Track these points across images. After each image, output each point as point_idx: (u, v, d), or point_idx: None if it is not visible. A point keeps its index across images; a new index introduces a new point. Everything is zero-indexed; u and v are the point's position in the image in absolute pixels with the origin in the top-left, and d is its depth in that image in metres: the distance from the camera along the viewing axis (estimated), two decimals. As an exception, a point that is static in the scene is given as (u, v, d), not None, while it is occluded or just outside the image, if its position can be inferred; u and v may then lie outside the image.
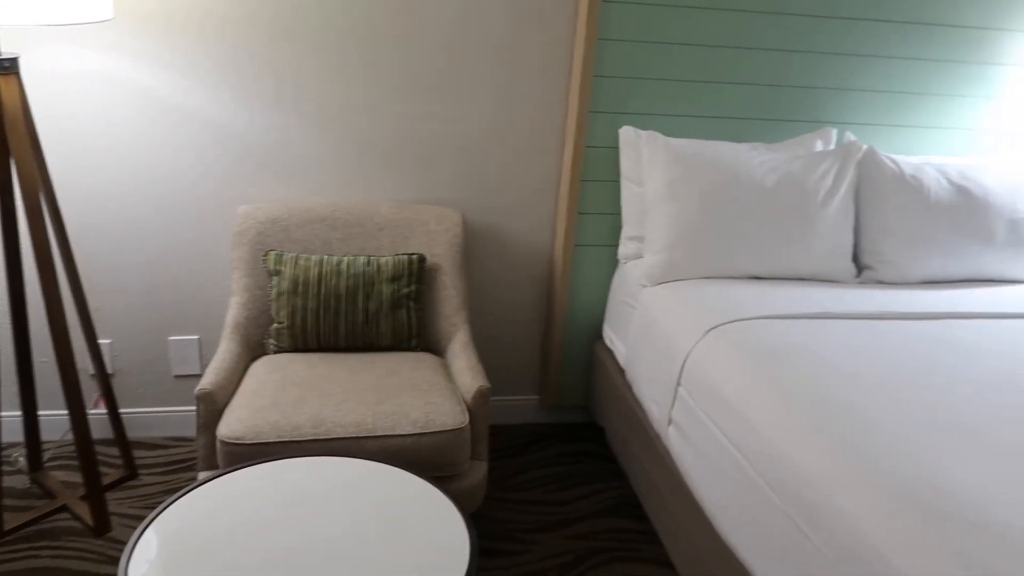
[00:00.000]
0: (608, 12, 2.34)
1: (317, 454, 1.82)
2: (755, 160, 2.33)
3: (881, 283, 2.38)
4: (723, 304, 2.11)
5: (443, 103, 2.43)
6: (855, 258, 2.42)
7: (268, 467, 1.72)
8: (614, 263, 2.61)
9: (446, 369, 2.25)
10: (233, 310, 2.29)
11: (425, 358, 2.27)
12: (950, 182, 2.41)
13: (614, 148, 2.47)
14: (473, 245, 2.57)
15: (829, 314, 2.07)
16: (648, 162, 2.35)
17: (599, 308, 2.67)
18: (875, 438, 1.54)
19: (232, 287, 2.31)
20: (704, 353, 1.95)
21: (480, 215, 2.57)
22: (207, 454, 1.99)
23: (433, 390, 2.08)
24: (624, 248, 2.52)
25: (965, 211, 2.39)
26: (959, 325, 2.08)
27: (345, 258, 2.29)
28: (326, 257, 2.28)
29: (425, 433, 1.94)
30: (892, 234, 2.37)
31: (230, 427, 1.89)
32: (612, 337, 2.56)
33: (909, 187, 2.37)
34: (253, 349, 2.29)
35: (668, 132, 2.45)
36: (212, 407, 1.97)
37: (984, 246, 2.41)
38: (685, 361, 1.99)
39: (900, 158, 2.44)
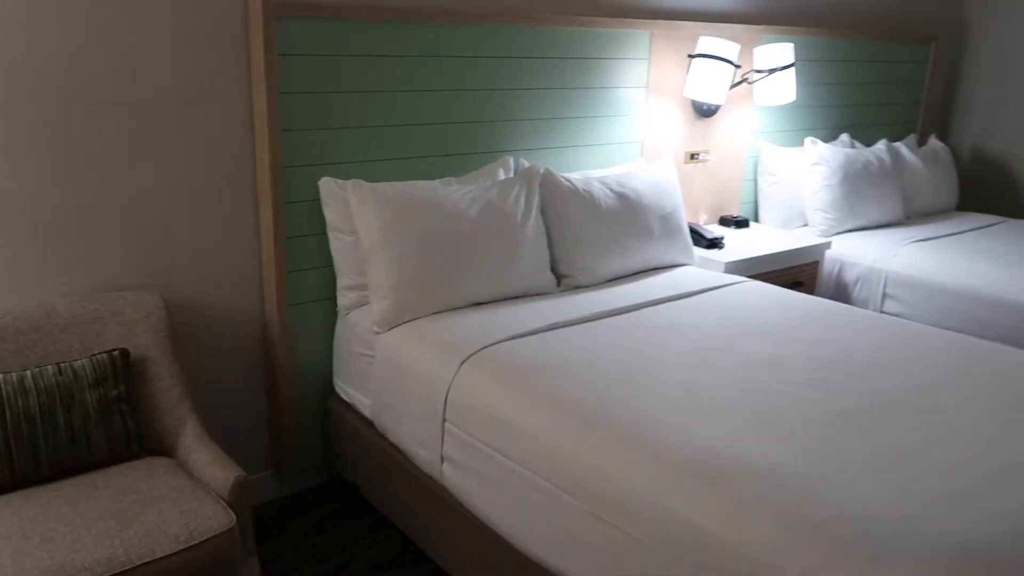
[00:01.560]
0: (288, 65, 2.28)
1: (67, 611, 1.51)
2: (456, 194, 2.45)
3: (579, 287, 2.66)
4: (465, 334, 2.19)
5: (114, 176, 2.17)
6: (553, 269, 2.66)
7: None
8: (334, 316, 2.55)
9: (185, 468, 2.01)
10: None
11: (157, 463, 2.00)
12: (612, 191, 2.77)
13: (317, 201, 2.41)
14: (181, 326, 2.32)
15: (559, 324, 2.26)
16: (357, 210, 2.34)
17: (325, 365, 2.58)
18: (646, 421, 1.73)
19: None
20: (465, 385, 2.01)
21: (182, 292, 2.33)
22: None
23: (182, 496, 1.84)
24: (344, 299, 2.47)
25: (628, 214, 2.77)
26: (658, 310, 2.42)
27: (28, 372, 1.93)
28: (2, 376, 1.90)
29: (193, 545, 1.72)
30: (579, 242, 2.66)
31: (-70, 616, 1.48)
32: (348, 390, 2.49)
33: (583, 200, 2.68)
34: (-79, 510, 1.82)
35: (367, 178, 2.45)
36: None
37: (647, 241, 2.81)
38: (447, 397, 2.03)
39: (570, 175, 2.75)
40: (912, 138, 4.30)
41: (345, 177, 2.42)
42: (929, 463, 1.59)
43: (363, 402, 2.41)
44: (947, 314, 3.17)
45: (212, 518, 1.78)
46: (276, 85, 2.27)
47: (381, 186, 2.38)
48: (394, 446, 2.28)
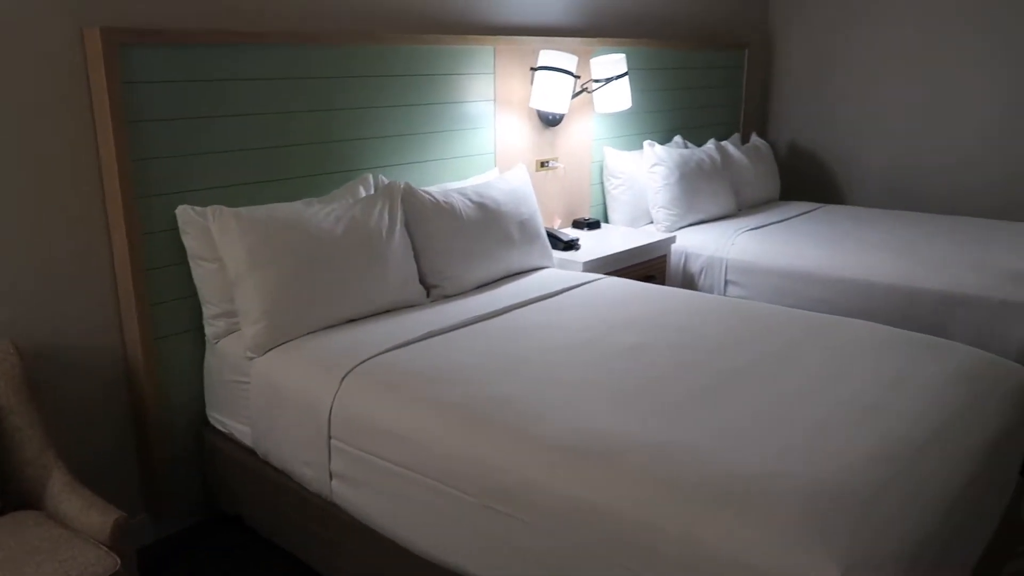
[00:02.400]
0: (136, 93, 2.22)
1: None
2: (320, 213, 2.46)
3: (448, 297, 2.73)
4: (342, 350, 2.21)
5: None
6: (421, 281, 2.72)
7: None
8: (202, 347, 2.48)
9: (56, 519, 1.91)
10: None
11: (24, 517, 1.90)
12: (471, 201, 2.86)
13: (176, 230, 2.35)
14: (37, 371, 2.19)
15: (434, 332, 2.32)
16: (220, 237, 2.30)
17: (196, 397, 2.51)
18: (528, 413, 1.83)
19: None
20: (349, 399, 2.03)
21: (35, 335, 2.21)
22: None
23: (59, 546, 1.76)
24: (212, 328, 2.42)
25: (488, 222, 2.87)
26: (526, 311, 2.54)
27: None
28: None
29: (77, 595, 1.65)
30: (444, 254, 2.73)
31: None
32: (224, 420, 2.44)
33: (445, 212, 2.76)
34: None
35: (227, 203, 2.42)
36: None
37: (508, 247, 2.93)
38: (331, 413, 2.04)
39: (430, 188, 2.82)
40: (736, 136, 4.69)
41: (204, 204, 2.38)
42: (784, 421, 1.78)
43: (241, 430, 2.37)
44: (781, 293, 3.50)
45: (95, 563, 1.72)
46: (121, 114, 2.20)
47: (243, 211, 2.35)
48: (279, 470, 2.26)
